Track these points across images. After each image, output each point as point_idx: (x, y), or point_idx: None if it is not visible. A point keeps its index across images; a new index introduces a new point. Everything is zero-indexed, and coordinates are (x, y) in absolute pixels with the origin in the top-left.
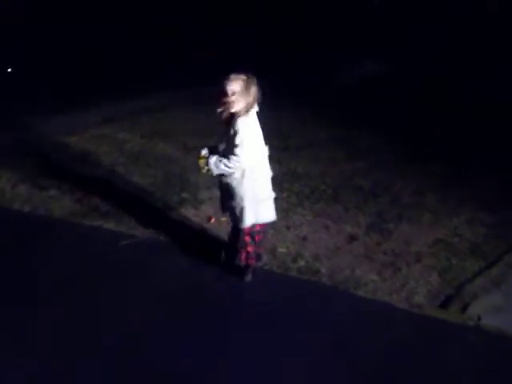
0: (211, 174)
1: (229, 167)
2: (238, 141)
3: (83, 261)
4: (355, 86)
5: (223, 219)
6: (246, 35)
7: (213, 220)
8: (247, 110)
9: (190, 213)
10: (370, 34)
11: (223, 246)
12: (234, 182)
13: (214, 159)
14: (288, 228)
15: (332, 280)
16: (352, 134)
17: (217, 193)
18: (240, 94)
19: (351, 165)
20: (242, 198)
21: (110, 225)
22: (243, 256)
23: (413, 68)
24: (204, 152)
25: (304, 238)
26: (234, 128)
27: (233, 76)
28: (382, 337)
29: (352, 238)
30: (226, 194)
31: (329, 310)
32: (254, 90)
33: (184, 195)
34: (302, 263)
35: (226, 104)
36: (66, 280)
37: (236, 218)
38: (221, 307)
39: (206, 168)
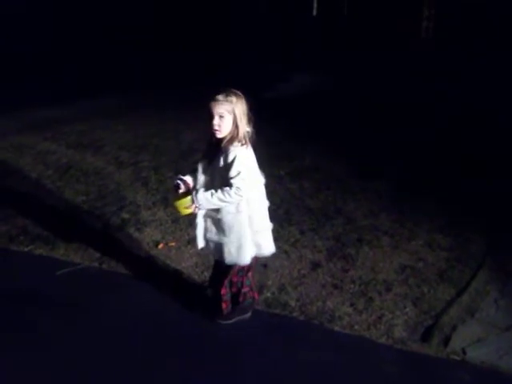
0: (196, 212)
1: (226, 201)
2: (234, 171)
3: (13, 294)
4: (284, 100)
5: (172, 244)
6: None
7: (161, 245)
8: (239, 134)
9: (133, 236)
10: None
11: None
12: (227, 216)
13: (203, 194)
14: None
15: (304, 313)
16: (292, 151)
17: (160, 213)
18: (230, 117)
19: (297, 183)
20: (239, 234)
21: (41, 250)
22: (241, 298)
23: (342, 82)
24: (183, 187)
25: (265, 266)
26: (225, 156)
27: (220, 97)
28: (370, 376)
29: (315, 265)
30: (212, 228)
31: (308, 348)
32: (244, 110)
33: (124, 215)
34: (268, 294)
35: (214, 130)
36: None
37: (228, 255)
38: (188, 351)
39: (194, 206)
